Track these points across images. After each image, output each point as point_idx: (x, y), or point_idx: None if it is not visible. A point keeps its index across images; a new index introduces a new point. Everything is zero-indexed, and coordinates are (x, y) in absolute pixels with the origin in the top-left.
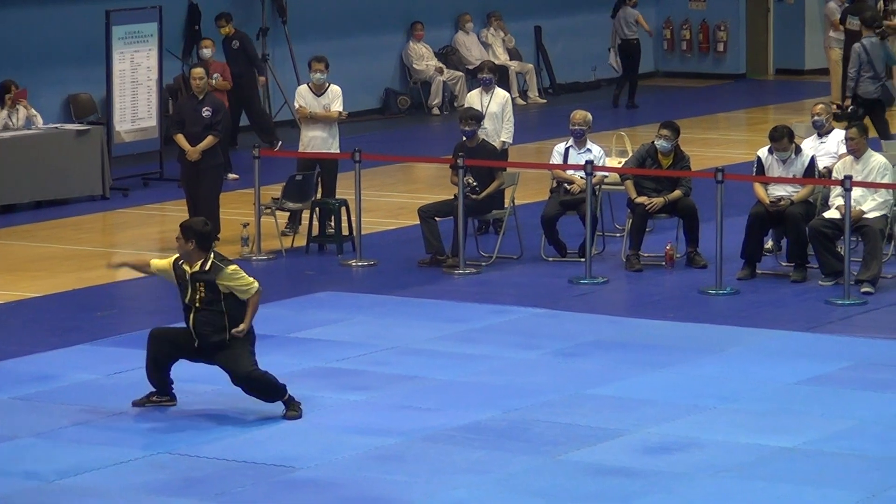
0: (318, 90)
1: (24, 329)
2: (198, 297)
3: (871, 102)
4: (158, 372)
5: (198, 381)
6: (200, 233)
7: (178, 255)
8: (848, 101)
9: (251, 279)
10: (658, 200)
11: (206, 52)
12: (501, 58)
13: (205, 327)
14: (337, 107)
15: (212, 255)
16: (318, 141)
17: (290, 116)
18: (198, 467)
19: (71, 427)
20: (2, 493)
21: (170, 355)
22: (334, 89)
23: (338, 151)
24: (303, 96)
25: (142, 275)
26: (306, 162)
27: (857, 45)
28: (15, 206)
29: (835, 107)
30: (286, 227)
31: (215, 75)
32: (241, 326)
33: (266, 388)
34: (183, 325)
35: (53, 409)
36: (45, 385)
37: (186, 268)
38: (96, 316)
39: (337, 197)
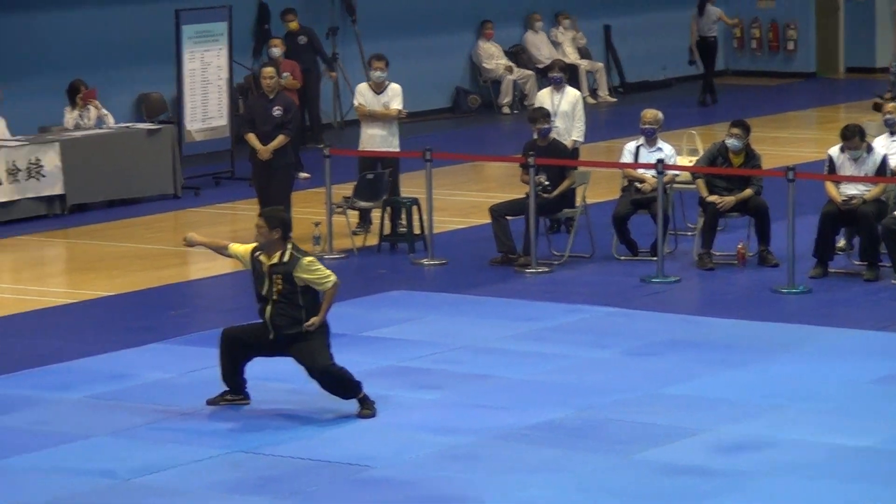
0: (378, 88)
1: (97, 328)
2: (275, 289)
3: None
4: (233, 371)
5: (271, 379)
6: (285, 221)
7: (255, 244)
8: (888, 96)
9: (328, 271)
10: (729, 199)
11: (276, 51)
12: (571, 57)
13: (281, 319)
14: (396, 105)
15: (290, 247)
16: (377, 139)
17: None
18: (272, 466)
19: (145, 426)
20: (77, 491)
21: (244, 354)
22: (394, 87)
23: (398, 150)
24: (362, 94)
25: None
26: (367, 161)
27: None
28: (87, 206)
29: (879, 98)
30: (357, 226)
31: (285, 74)
32: (314, 320)
33: (342, 383)
34: (255, 321)
35: (128, 408)
36: (120, 384)
37: (264, 259)
38: (170, 315)
39: (408, 196)
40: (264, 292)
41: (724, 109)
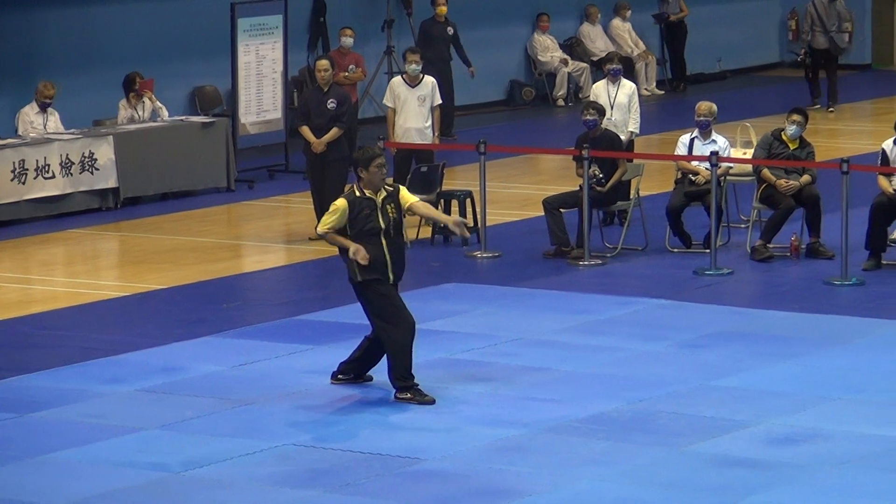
0: (413, 81)
1: (150, 321)
2: (391, 220)
3: (821, 53)
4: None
5: (321, 372)
6: None
7: (344, 202)
8: (804, 52)
9: None
10: (794, 184)
11: (348, 41)
12: (635, 48)
13: (399, 255)
14: (437, 101)
15: None
16: (412, 132)
17: None
18: (323, 459)
19: (197, 419)
20: (129, 484)
21: None
22: (429, 80)
23: (436, 143)
24: (395, 89)
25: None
26: (402, 154)
27: (809, 5)
28: (141, 199)
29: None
30: None
31: (350, 67)
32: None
33: None
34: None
35: (179, 401)
36: (171, 377)
37: (372, 195)
38: (222, 308)
39: (461, 188)
40: (383, 226)
41: (779, 100)
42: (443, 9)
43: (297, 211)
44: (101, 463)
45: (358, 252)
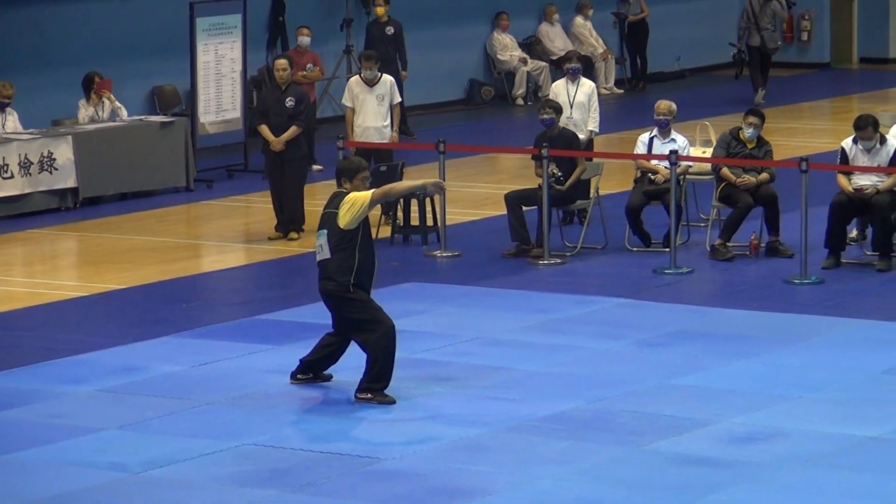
0: (371, 81)
1: (109, 321)
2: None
3: (756, 50)
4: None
5: (281, 372)
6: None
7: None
8: (741, 45)
9: None
10: (751, 180)
11: (305, 40)
12: (592, 48)
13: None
14: (396, 99)
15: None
16: (371, 131)
17: None
18: (283, 459)
19: (156, 419)
20: (88, 484)
21: None
22: (388, 79)
23: (394, 137)
24: (352, 89)
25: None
26: (362, 153)
27: (746, 3)
28: (100, 199)
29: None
30: None
31: (308, 66)
32: None
33: None
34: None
35: (139, 401)
36: (131, 377)
37: None
38: (181, 307)
39: None
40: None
41: (739, 100)
42: (379, 10)
43: (256, 210)
44: (60, 463)
45: (437, 183)
